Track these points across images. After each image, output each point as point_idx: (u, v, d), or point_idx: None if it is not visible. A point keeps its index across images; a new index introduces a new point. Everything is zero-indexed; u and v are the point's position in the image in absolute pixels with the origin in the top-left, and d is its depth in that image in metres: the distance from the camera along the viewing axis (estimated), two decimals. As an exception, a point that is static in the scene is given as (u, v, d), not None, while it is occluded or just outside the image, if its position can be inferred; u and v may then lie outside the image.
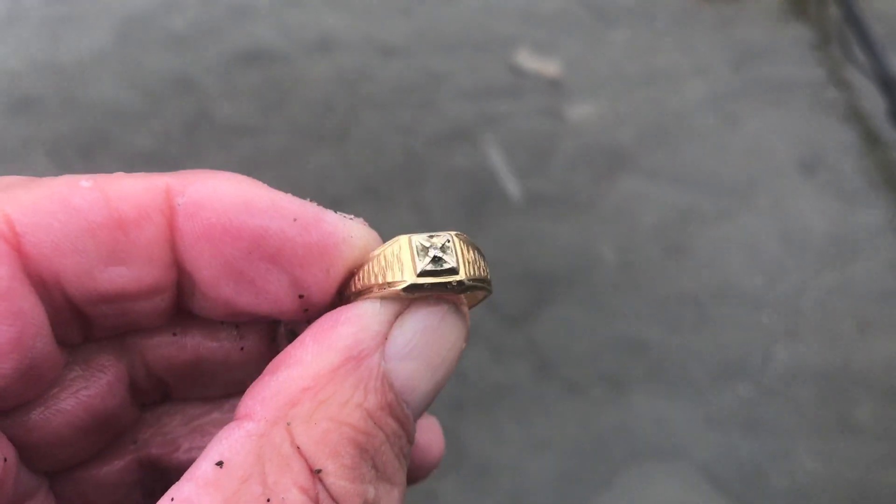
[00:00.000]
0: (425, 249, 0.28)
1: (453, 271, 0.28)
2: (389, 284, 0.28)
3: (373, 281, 0.29)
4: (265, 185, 0.28)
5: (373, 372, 0.26)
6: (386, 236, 0.28)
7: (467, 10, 1.05)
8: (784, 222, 0.83)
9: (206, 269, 0.28)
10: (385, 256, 0.28)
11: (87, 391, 0.32)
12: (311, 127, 0.93)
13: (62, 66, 1.00)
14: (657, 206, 0.85)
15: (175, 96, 0.96)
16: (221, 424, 0.33)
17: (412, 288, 0.28)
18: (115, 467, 0.34)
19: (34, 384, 0.29)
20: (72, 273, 0.28)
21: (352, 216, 0.29)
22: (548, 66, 0.99)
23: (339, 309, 0.28)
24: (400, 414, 0.27)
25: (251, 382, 0.29)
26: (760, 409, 0.73)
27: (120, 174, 0.29)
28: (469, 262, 0.29)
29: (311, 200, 0.29)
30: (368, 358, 0.26)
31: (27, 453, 0.30)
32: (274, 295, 0.29)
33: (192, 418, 0.35)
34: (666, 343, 0.77)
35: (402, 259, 0.28)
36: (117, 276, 0.28)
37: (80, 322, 0.30)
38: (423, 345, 0.28)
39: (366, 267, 0.29)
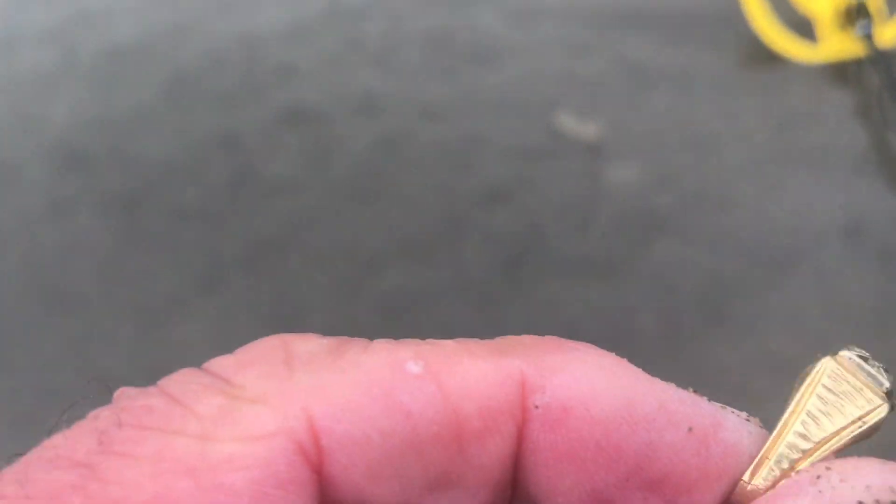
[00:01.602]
0: (860, 364, 0.20)
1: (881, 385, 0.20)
2: (859, 422, 0.19)
3: (813, 435, 0.19)
4: (639, 370, 0.20)
5: None
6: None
7: (508, 73, 1.06)
8: (827, 291, 0.83)
9: (563, 497, 0.19)
10: (816, 392, 0.20)
11: None
12: (352, 186, 0.94)
13: (111, 122, 1.03)
14: (697, 272, 0.85)
15: (220, 153, 0.98)
16: None
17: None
18: None
19: None
20: (383, 501, 0.19)
21: (746, 416, 0.20)
22: (587, 129, 0.99)
23: None
24: None
25: None
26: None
27: (461, 347, 0.20)
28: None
29: (692, 391, 0.20)
30: None
31: None
32: None
33: None
34: (706, 412, 0.76)
35: (849, 382, 0.20)
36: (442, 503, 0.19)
37: None
38: None
39: (784, 420, 0.20)
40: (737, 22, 1.03)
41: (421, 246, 0.89)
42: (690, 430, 0.19)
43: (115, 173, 0.97)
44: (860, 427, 0.19)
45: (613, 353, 0.20)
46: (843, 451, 0.20)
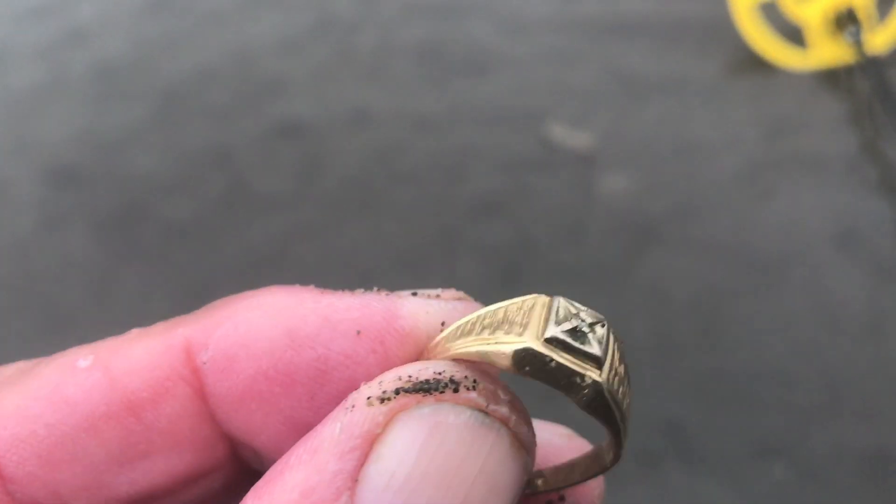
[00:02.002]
0: (568, 317, 0.19)
1: (594, 360, 0.19)
2: (495, 343, 0.18)
3: (467, 337, 0.19)
4: (314, 290, 0.21)
5: None
6: None
7: (500, 83, 1.06)
8: (819, 298, 0.83)
9: (262, 433, 0.20)
10: (506, 311, 0.19)
11: None
12: (346, 199, 0.94)
13: (104, 139, 1.03)
14: (690, 280, 0.85)
15: (212, 168, 0.98)
16: None
17: (526, 359, 0.18)
18: None
19: None
20: (75, 486, 0.20)
21: (438, 291, 0.21)
22: (579, 139, 0.99)
23: (300, 440, 0.18)
24: None
25: None
26: (798, 492, 0.72)
27: (131, 336, 0.22)
28: (616, 371, 0.19)
29: (379, 290, 0.21)
30: None
31: None
32: None
33: None
34: (700, 421, 0.76)
35: (531, 317, 0.19)
36: (139, 475, 0.20)
37: None
38: (418, 479, 0.17)
39: (466, 320, 0.20)
40: (727, 30, 1.03)
41: (414, 258, 0.89)
42: (359, 332, 0.20)
43: (107, 189, 0.97)
44: (491, 347, 0.18)
45: (297, 287, 0.21)
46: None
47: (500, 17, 1.13)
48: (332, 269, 0.88)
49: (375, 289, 0.21)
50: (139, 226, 0.93)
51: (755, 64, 1.03)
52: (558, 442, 0.23)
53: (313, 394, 0.20)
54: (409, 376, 0.18)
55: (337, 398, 0.20)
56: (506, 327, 0.19)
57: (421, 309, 0.20)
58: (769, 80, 1.03)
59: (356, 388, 0.19)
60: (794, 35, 1.02)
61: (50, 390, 0.20)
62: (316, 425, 0.19)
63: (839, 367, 0.78)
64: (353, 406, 0.18)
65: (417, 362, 0.19)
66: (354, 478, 0.17)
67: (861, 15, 0.99)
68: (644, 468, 0.72)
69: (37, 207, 0.96)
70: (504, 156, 0.98)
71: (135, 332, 0.22)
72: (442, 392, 0.18)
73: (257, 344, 0.20)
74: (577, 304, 0.20)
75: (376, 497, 0.17)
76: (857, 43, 0.98)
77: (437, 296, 0.21)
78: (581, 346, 0.19)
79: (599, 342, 0.19)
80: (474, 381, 0.18)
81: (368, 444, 0.17)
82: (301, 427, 0.20)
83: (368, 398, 0.18)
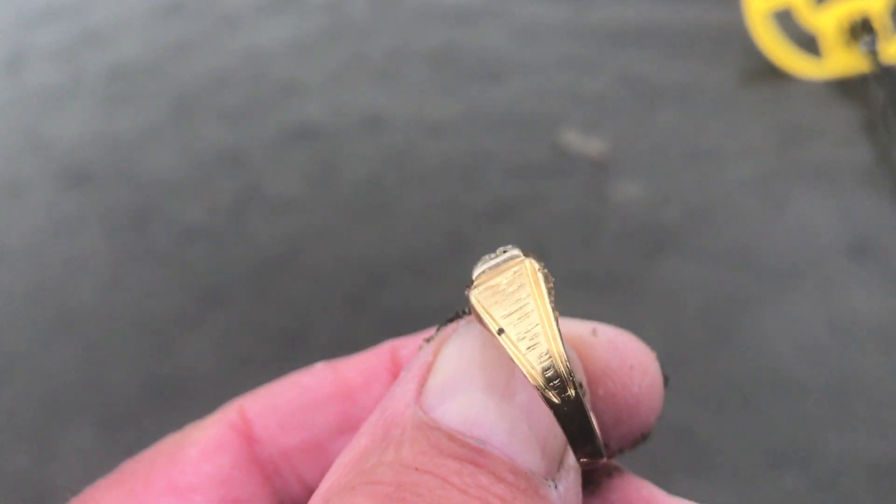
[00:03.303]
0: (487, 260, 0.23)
1: (514, 256, 0.23)
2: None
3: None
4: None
5: (405, 427, 0.20)
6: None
7: (513, 89, 1.06)
8: (831, 307, 0.82)
9: None
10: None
11: None
12: (357, 203, 0.94)
13: (118, 141, 1.03)
14: (702, 288, 0.85)
15: (225, 171, 0.98)
16: None
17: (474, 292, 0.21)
18: None
19: None
20: (303, 450, 0.27)
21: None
22: (592, 146, 0.99)
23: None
24: (459, 451, 0.20)
25: None
26: (810, 501, 0.71)
27: (359, 353, 0.29)
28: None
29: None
30: (398, 417, 0.21)
31: None
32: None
33: None
34: (711, 429, 0.75)
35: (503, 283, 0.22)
36: (344, 445, 0.26)
37: None
38: (467, 371, 0.21)
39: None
40: (741, 38, 1.03)
41: (426, 262, 0.89)
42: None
43: (121, 191, 0.98)
44: (540, 280, 0.22)
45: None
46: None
47: (513, 24, 1.13)
48: (344, 272, 0.89)
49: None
50: (152, 227, 0.94)
51: (769, 72, 1.03)
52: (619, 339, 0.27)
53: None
54: (439, 327, 0.24)
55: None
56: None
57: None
58: (783, 89, 1.03)
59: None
60: (808, 44, 1.02)
61: (292, 380, 0.28)
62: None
63: (851, 376, 0.78)
64: (417, 356, 0.23)
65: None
66: (419, 391, 0.21)
67: (876, 24, 0.99)
68: (655, 476, 0.72)
69: (51, 207, 0.97)
70: (517, 162, 0.98)
71: (360, 352, 0.29)
72: (461, 317, 0.23)
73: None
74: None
75: (438, 396, 0.21)
76: (872, 52, 0.98)
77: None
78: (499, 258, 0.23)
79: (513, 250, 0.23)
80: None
81: (426, 371, 0.22)
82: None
83: (420, 346, 0.23)
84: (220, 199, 0.95)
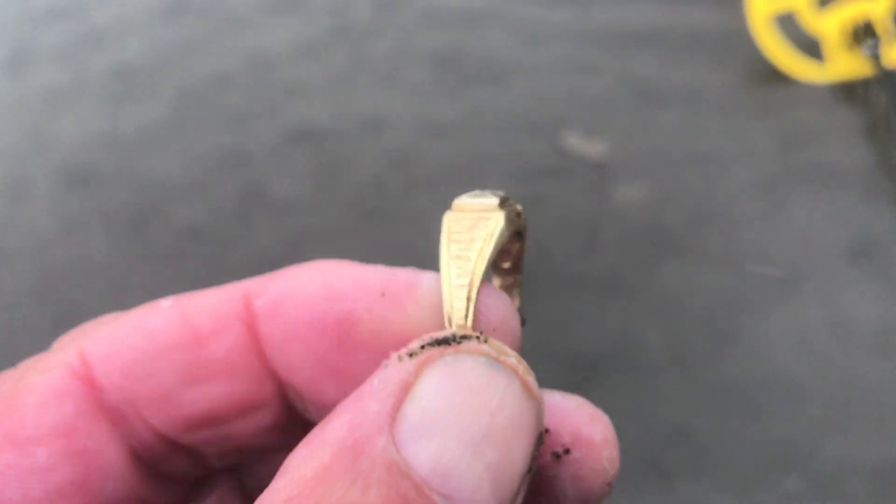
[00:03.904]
0: (473, 201, 0.26)
1: (498, 201, 0.26)
2: (490, 236, 0.25)
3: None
4: (350, 263, 0.25)
5: (375, 461, 0.19)
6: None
7: (516, 91, 1.06)
8: (832, 311, 0.82)
9: (301, 372, 0.25)
10: (452, 238, 0.26)
11: None
12: (362, 204, 0.95)
13: (121, 141, 1.04)
14: (704, 290, 0.85)
15: (228, 172, 0.99)
16: None
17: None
18: None
19: None
20: (149, 399, 0.25)
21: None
22: (594, 148, 1.00)
23: (344, 401, 0.22)
24: None
25: None
26: (810, 505, 0.72)
27: (205, 290, 0.27)
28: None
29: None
30: (369, 445, 0.20)
31: None
32: None
33: None
34: (712, 432, 0.76)
35: (468, 217, 0.26)
36: (200, 397, 0.25)
37: (187, 455, 0.27)
38: (446, 412, 0.20)
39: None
40: (744, 41, 1.03)
41: (429, 264, 0.89)
42: (383, 294, 0.24)
43: (124, 191, 0.98)
44: (492, 237, 0.24)
45: (343, 260, 0.26)
46: (497, 265, 0.27)
47: (515, 27, 1.13)
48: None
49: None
50: (155, 227, 0.94)
51: (772, 75, 1.03)
52: (567, 405, 0.27)
53: (341, 340, 0.24)
54: (430, 337, 0.22)
55: (361, 346, 0.24)
56: (470, 236, 0.25)
57: (437, 283, 0.25)
58: (785, 92, 1.03)
59: (378, 339, 0.24)
60: (811, 47, 1.02)
61: (136, 322, 0.26)
62: (342, 368, 0.24)
63: (852, 379, 0.78)
64: (387, 365, 0.21)
65: (436, 333, 0.23)
66: (393, 416, 0.20)
67: (879, 29, 0.99)
68: (654, 478, 0.72)
69: (54, 207, 0.97)
70: (519, 164, 0.98)
71: (209, 289, 0.27)
72: (459, 343, 0.22)
73: (301, 294, 0.25)
74: (473, 193, 0.26)
75: (412, 430, 0.20)
76: (875, 56, 0.98)
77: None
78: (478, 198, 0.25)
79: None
80: (485, 338, 0.22)
81: (403, 391, 0.21)
82: (330, 369, 0.25)
83: (399, 356, 0.22)
84: (224, 199, 0.96)
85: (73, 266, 0.92)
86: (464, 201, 0.26)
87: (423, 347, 0.22)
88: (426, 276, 0.25)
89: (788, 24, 1.02)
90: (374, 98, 1.06)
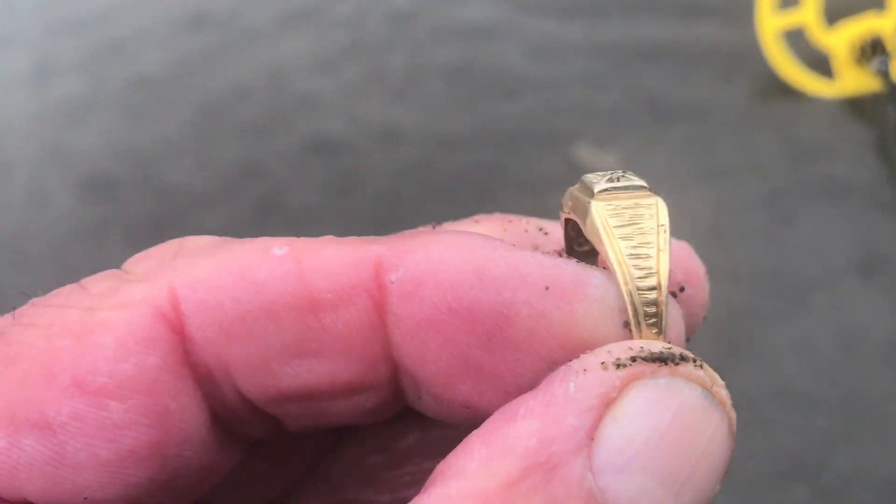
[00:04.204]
0: (615, 186, 0.22)
1: (642, 187, 0.22)
2: (661, 226, 0.21)
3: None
4: (501, 242, 0.21)
5: (571, 489, 0.17)
6: None
7: (528, 105, 1.08)
8: (841, 324, 0.83)
9: (432, 364, 0.21)
10: (619, 235, 0.21)
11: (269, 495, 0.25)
12: (376, 215, 0.96)
13: (139, 151, 1.05)
14: (713, 303, 0.86)
15: (245, 182, 1.00)
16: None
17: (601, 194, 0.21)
18: None
19: (185, 492, 0.23)
20: (245, 365, 0.22)
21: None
22: (604, 161, 1.01)
23: (524, 395, 0.19)
24: None
25: None
26: (818, 515, 0.72)
27: (326, 240, 0.23)
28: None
29: (565, 256, 0.22)
30: (565, 467, 0.17)
31: None
32: (527, 388, 0.20)
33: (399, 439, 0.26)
34: (721, 442, 0.76)
35: (624, 206, 0.22)
36: (304, 371, 0.22)
37: (265, 421, 0.24)
38: (654, 446, 0.18)
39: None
40: (754, 56, 1.04)
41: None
42: (547, 288, 0.20)
43: (141, 201, 1.00)
44: (664, 229, 0.21)
45: (490, 237, 0.22)
46: (575, 249, 0.24)
47: (528, 41, 1.14)
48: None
49: (564, 254, 0.22)
50: (173, 236, 0.95)
51: (781, 90, 1.04)
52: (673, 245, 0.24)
53: (490, 336, 0.20)
54: (641, 347, 0.20)
55: (513, 344, 0.20)
56: (638, 229, 0.21)
57: (608, 282, 0.21)
58: (795, 107, 1.04)
59: (535, 339, 0.20)
60: (820, 63, 1.03)
61: (242, 269, 0.22)
62: (485, 367, 0.20)
63: (861, 391, 0.79)
64: (586, 369, 0.19)
65: (640, 340, 0.20)
66: (591, 436, 0.18)
67: (888, 45, 1.00)
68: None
69: (74, 216, 0.99)
70: (530, 175, 0.99)
71: (330, 238, 0.23)
72: (677, 364, 0.20)
73: (447, 275, 0.21)
74: (602, 175, 0.23)
75: (613, 457, 0.18)
76: (884, 72, 0.99)
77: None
78: (625, 183, 0.22)
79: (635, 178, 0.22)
80: (701, 362, 0.20)
81: (604, 406, 0.18)
82: (470, 366, 0.21)
83: (603, 363, 0.19)
84: (241, 209, 0.97)
85: (90, 273, 0.93)
86: (605, 187, 0.22)
87: (633, 359, 0.19)
88: (595, 274, 0.21)
89: (798, 40, 1.03)
90: (388, 111, 1.08)
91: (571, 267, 0.21)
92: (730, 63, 1.09)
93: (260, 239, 0.23)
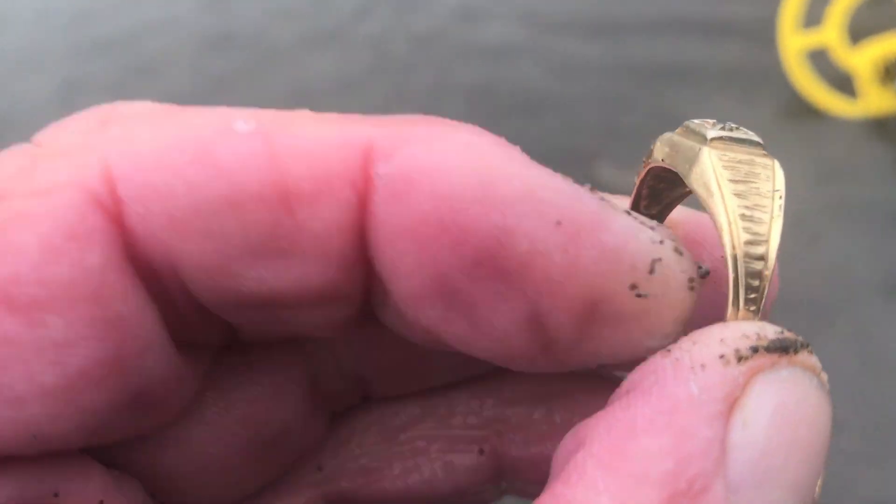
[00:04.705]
0: (729, 136, 0.19)
1: (758, 143, 0.19)
2: (777, 192, 0.18)
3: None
4: (519, 154, 0.18)
5: None
6: None
7: (550, 123, 1.08)
8: (866, 346, 0.83)
9: (406, 280, 0.17)
10: (732, 191, 0.18)
11: (245, 405, 0.21)
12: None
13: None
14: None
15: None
16: (446, 441, 0.22)
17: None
18: None
19: (151, 413, 0.19)
20: (198, 265, 0.17)
21: (653, 224, 0.18)
22: (627, 180, 1.01)
23: (619, 398, 0.16)
24: None
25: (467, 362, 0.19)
26: (842, 538, 0.72)
27: (303, 115, 0.18)
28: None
29: (590, 187, 0.18)
30: (709, 492, 0.15)
31: (163, 491, 0.21)
32: (500, 331, 0.17)
33: (395, 430, 0.23)
34: (744, 464, 0.76)
35: (741, 161, 0.19)
36: (269, 275, 0.17)
37: (218, 327, 0.20)
38: (783, 451, 0.15)
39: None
40: (777, 76, 1.04)
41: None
42: (559, 223, 0.17)
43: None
44: (780, 195, 0.18)
45: (508, 144, 0.18)
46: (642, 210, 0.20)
47: (550, 60, 1.15)
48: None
49: (589, 186, 0.18)
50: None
51: (805, 111, 1.04)
52: (699, 220, 0.21)
53: (478, 263, 0.17)
54: (758, 334, 0.17)
55: (499, 279, 0.17)
56: (754, 188, 0.18)
57: (632, 233, 0.17)
58: (818, 127, 1.04)
59: (527, 276, 0.17)
60: (843, 83, 1.03)
61: (199, 147, 0.17)
62: (463, 292, 0.17)
63: (885, 413, 0.78)
64: (704, 364, 0.16)
65: (741, 321, 0.18)
66: (724, 448, 0.15)
67: (912, 65, 1.00)
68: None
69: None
70: (553, 195, 0.99)
71: (307, 112, 0.19)
72: (796, 353, 0.17)
73: (446, 182, 0.17)
74: (713, 122, 0.20)
75: (749, 471, 0.15)
76: (907, 93, 0.99)
77: (652, 228, 0.18)
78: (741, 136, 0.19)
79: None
80: (810, 346, 0.17)
81: (730, 410, 0.15)
82: (445, 291, 0.17)
83: (722, 356, 0.16)
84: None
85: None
86: (719, 134, 0.19)
87: (755, 349, 0.16)
88: (620, 218, 0.17)
89: (821, 61, 1.03)
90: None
91: (594, 204, 0.17)
92: (753, 83, 1.09)
93: (218, 108, 0.18)
